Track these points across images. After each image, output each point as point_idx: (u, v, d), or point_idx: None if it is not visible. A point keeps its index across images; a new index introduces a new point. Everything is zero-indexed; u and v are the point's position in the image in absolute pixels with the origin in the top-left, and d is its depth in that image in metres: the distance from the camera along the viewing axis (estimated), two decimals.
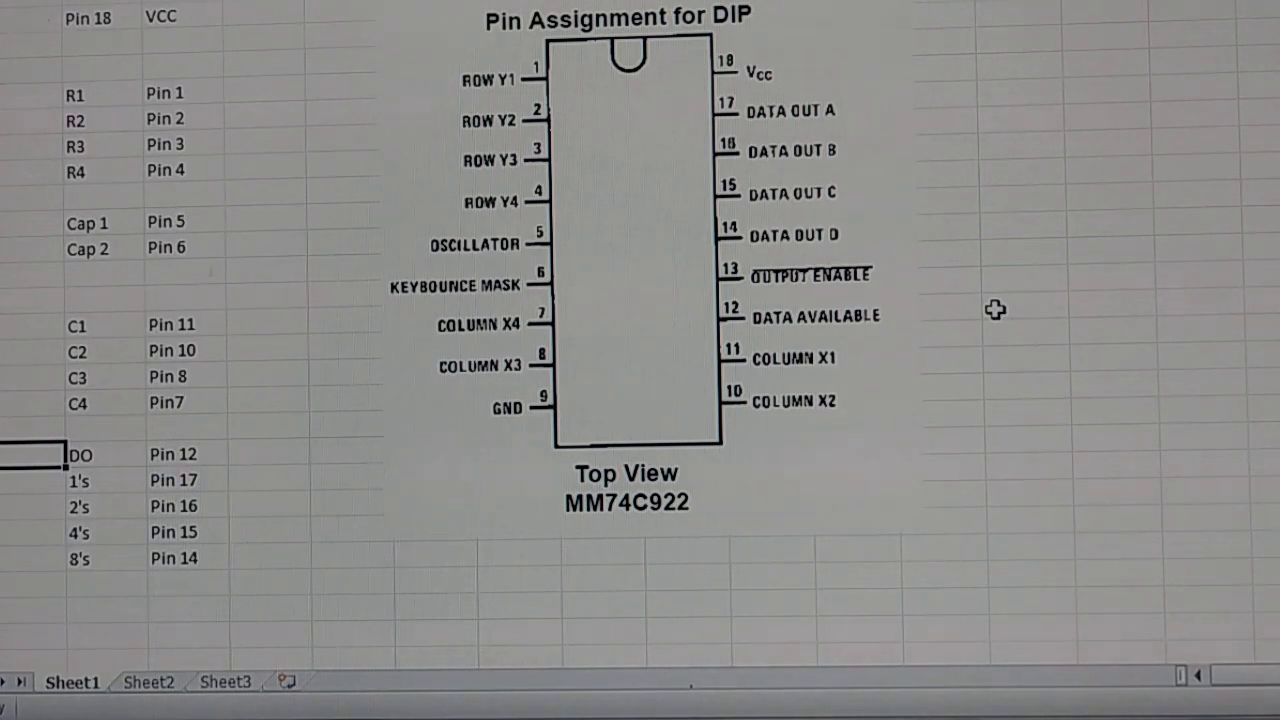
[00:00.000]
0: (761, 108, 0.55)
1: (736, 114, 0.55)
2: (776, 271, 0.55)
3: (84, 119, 0.56)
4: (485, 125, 0.56)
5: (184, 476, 0.56)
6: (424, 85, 0.56)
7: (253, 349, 0.56)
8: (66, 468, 0.56)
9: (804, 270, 0.55)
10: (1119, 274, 0.54)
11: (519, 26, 0.56)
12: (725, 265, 0.55)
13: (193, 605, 0.56)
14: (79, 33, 0.57)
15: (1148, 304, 0.54)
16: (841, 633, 0.54)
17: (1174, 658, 0.54)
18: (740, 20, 0.55)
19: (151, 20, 0.57)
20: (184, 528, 0.56)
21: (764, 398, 0.55)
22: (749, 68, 0.55)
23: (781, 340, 0.55)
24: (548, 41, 0.56)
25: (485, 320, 0.55)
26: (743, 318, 0.55)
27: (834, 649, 0.54)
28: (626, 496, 0.55)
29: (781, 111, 0.55)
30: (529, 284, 0.55)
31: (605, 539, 0.55)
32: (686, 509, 0.55)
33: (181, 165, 0.56)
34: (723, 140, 0.55)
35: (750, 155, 0.55)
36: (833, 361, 0.55)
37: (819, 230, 0.55)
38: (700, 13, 0.55)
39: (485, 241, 0.55)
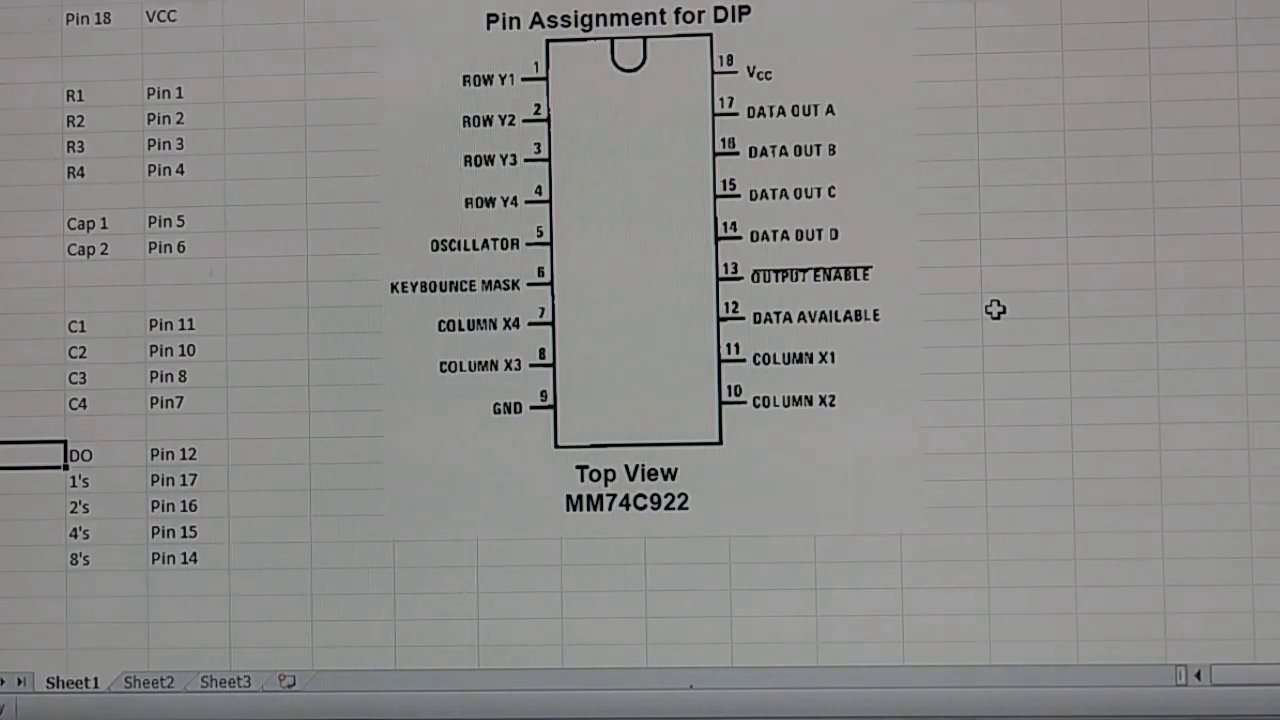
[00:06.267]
0: (761, 108, 0.55)
1: (736, 114, 0.55)
2: (776, 271, 0.55)
3: (84, 119, 0.56)
4: (485, 125, 0.55)
5: (184, 476, 0.56)
6: (424, 85, 0.56)
7: (253, 349, 0.56)
8: (66, 468, 0.56)
9: (804, 270, 0.55)
10: (1119, 273, 0.54)
11: (519, 26, 0.56)
12: (725, 265, 0.55)
13: (193, 605, 0.56)
14: (79, 33, 0.57)
15: (1148, 304, 0.54)
16: (841, 633, 0.54)
17: (1174, 658, 0.54)
18: (740, 20, 0.55)
19: (151, 20, 0.57)
20: (184, 528, 0.56)
21: (764, 398, 0.55)
22: (749, 68, 0.55)
23: (781, 340, 0.55)
24: (548, 41, 0.56)
25: (485, 320, 0.55)
26: (743, 318, 0.55)
27: (834, 649, 0.54)
28: (626, 496, 0.55)
29: (781, 111, 0.55)
30: (529, 284, 0.55)
31: (605, 539, 0.55)
32: (686, 509, 0.55)
33: (181, 165, 0.56)
34: (723, 140, 0.55)
35: (750, 155, 0.55)
36: (833, 361, 0.54)
37: (819, 230, 0.55)
38: (700, 13, 0.55)
39: (485, 241, 0.55)
